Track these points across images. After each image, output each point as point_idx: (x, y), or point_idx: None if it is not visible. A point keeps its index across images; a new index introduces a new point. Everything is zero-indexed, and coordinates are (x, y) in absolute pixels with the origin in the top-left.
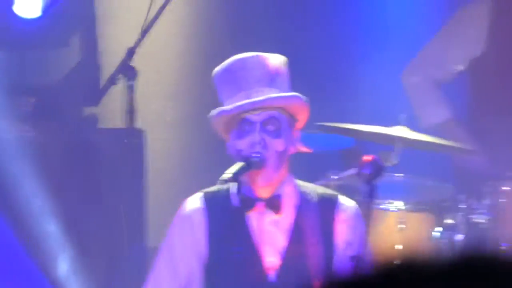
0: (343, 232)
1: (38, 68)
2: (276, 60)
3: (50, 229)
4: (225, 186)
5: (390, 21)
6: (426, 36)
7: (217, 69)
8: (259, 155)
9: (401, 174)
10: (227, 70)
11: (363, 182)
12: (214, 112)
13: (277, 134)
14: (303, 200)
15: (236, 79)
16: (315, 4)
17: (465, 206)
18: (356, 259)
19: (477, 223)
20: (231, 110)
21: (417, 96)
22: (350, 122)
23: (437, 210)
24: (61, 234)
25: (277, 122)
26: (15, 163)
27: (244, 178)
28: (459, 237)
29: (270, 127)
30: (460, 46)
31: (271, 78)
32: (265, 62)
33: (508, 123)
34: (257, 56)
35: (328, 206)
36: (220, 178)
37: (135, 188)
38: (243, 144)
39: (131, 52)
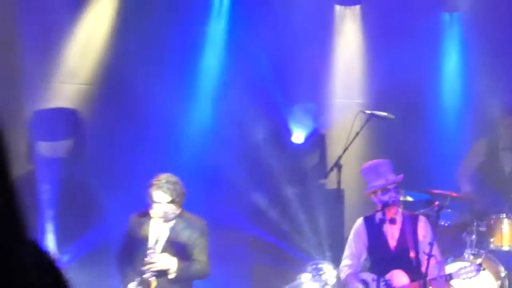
0: (421, 232)
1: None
2: (388, 161)
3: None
4: (379, 210)
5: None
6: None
7: (364, 167)
8: (394, 200)
9: (449, 210)
10: (371, 166)
11: (434, 212)
12: (375, 184)
13: (397, 192)
14: (404, 217)
15: (378, 171)
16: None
17: (476, 223)
18: (429, 248)
19: (481, 231)
20: (394, 181)
21: (462, 181)
22: (426, 188)
23: (464, 227)
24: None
25: (397, 187)
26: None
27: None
28: (473, 236)
29: (396, 189)
30: (476, 158)
31: (391, 170)
32: (387, 163)
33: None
34: (384, 160)
35: (414, 219)
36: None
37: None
38: (386, 198)
39: (339, 158)
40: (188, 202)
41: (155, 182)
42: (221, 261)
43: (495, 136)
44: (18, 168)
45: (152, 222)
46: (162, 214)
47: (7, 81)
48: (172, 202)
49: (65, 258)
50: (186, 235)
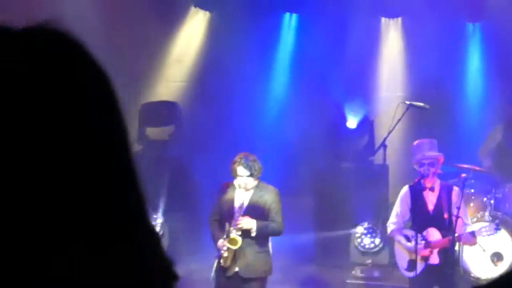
0: (454, 198)
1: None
2: (434, 141)
3: None
4: (416, 180)
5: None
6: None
7: (415, 143)
8: (428, 173)
9: (472, 180)
10: (417, 144)
11: (460, 182)
12: (418, 157)
13: (431, 166)
14: (441, 186)
15: (424, 147)
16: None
17: (494, 191)
18: (457, 211)
19: (498, 197)
20: (428, 157)
21: (483, 157)
22: (454, 163)
23: (484, 194)
24: None
25: (436, 161)
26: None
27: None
28: (492, 201)
29: (431, 164)
30: (494, 140)
31: (431, 148)
32: (431, 142)
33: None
34: (429, 140)
35: (449, 188)
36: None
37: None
38: (421, 170)
39: (385, 139)
40: (264, 174)
41: (237, 160)
42: (290, 220)
43: (510, 121)
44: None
45: (236, 191)
46: (244, 185)
47: (123, 80)
48: (251, 175)
49: (168, 220)
50: (263, 201)
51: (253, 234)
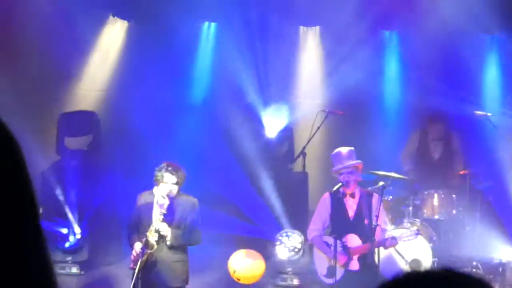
0: (374, 205)
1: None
2: (352, 149)
3: None
4: (336, 188)
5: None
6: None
7: (334, 152)
8: (347, 181)
9: (391, 187)
10: (335, 153)
11: (379, 190)
12: (338, 167)
13: (351, 174)
14: (361, 193)
15: (342, 156)
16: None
17: (412, 198)
18: (376, 218)
19: (416, 204)
20: (347, 166)
21: (403, 164)
22: (373, 170)
23: (402, 201)
24: None
25: (355, 169)
26: None
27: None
28: (410, 208)
29: (350, 172)
30: (412, 146)
31: (350, 157)
32: (349, 151)
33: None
34: (348, 148)
35: (369, 195)
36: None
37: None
38: (341, 178)
39: (304, 147)
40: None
41: (164, 166)
42: (207, 230)
43: (425, 130)
44: (49, 158)
45: (155, 199)
46: (168, 192)
47: (41, 90)
48: (176, 183)
49: (88, 232)
50: (181, 210)
51: (169, 243)
